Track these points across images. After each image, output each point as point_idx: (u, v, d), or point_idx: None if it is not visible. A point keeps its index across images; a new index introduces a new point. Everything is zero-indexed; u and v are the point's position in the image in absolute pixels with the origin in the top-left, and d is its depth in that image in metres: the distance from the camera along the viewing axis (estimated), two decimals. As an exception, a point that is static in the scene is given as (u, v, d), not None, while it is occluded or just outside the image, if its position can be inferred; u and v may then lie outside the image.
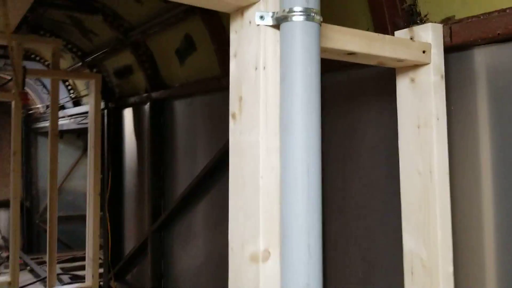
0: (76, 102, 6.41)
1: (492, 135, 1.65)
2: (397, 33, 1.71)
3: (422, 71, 1.64)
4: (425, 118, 1.62)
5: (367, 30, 2.04)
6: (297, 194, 1.13)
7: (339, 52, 1.41)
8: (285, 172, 1.15)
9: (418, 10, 1.82)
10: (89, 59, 4.98)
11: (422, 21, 1.82)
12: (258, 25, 1.19)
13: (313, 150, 1.14)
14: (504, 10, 1.53)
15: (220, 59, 3.11)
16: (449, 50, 1.68)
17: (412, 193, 1.66)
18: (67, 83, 6.33)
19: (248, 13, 1.22)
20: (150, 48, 3.97)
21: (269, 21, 1.18)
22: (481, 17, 1.59)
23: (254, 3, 1.20)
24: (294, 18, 1.14)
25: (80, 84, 6.12)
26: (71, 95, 6.33)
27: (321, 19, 1.18)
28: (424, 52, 1.59)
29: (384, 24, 1.89)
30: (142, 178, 4.50)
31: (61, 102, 6.34)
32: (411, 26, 1.72)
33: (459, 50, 1.69)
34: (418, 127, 1.64)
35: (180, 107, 3.86)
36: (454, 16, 1.70)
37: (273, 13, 1.18)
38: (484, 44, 1.62)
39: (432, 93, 1.61)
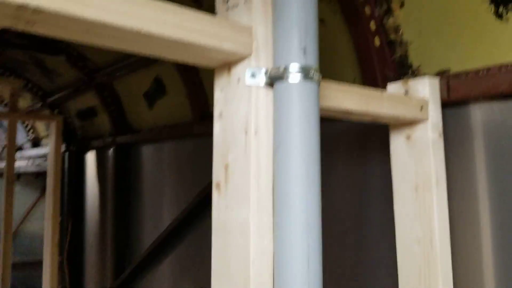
0: (35, 143, 6.08)
1: (492, 198, 1.52)
2: (390, 86, 1.58)
3: (418, 128, 1.50)
4: (423, 180, 1.48)
5: (354, 79, 1.92)
6: (296, 286, 0.95)
7: (335, 111, 1.26)
8: (280, 258, 0.97)
9: (409, 62, 1.70)
10: (50, 99, 4.72)
11: (414, 73, 1.70)
12: (248, 84, 1.03)
13: (313, 232, 0.97)
14: (506, 66, 1.42)
15: (193, 104, 2.94)
16: (446, 105, 1.56)
17: (410, 263, 1.49)
18: (25, 123, 6.02)
19: (237, 70, 1.06)
20: (117, 90, 3.77)
21: (261, 80, 1.02)
22: (481, 72, 1.48)
23: (244, 59, 1.04)
24: (291, 78, 0.99)
25: (39, 124, 5.82)
26: (29, 137, 6.00)
27: (320, 78, 1.03)
28: (421, 108, 1.47)
29: (373, 75, 1.76)
30: (105, 227, 4.21)
31: (19, 142, 6.01)
32: (405, 79, 1.60)
33: (457, 105, 1.58)
34: (416, 190, 1.49)
35: (147, 152, 3.64)
36: (449, 69, 1.59)
37: (266, 70, 1.03)
38: (484, 101, 1.51)
39: (431, 152, 1.48)
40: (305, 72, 0.99)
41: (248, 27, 1.03)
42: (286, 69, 0.99)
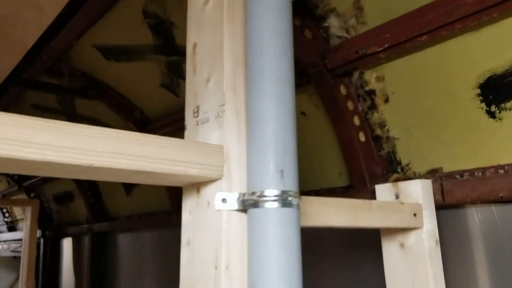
0: (12, 226, 5.83)
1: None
2: (379, 188, 1.46)
3: (413, 235, 1.37)
4: (421, 294, 1.33)
5: (340, 175, 1.81)
6: None
7: (319, 228, 1.13)
8: None
9: (398, 159, 1.60)
10: (26, 183, 4.55)
11: (404, 170, 1.59)
12: (218, 209, 0.90)
13: None
14: (502, 167, 1.32)
15: (171, 193, 2.79)
16: (440, 207, 1.44)
17: None
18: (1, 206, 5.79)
19: (206, 192, 0.93)
20: (94, 176, 3.62)
21: (233, 205, 0.89)
22: (476, 173, 1.37)
23: (214, 181, 0.91)
24: (267, 205, 0.86)
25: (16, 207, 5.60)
26: (5, 219, 5.76)
27: (300, 200, 0.90)
28: (415, 215, 1.34)
29: (360, 171, 1.65)
30: (80, 320, 3.93)
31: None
32: (394, 179, 1.49)
33: (452, 208, 1.46)
34: (414, 305, 1.34)
35: (124, 241, 3.44)
36: (441, 168, 1.48)
37: (239, 194, 0.90)
38: (482, 204, 1.39)
39: (428, 263, 1.34)
40: (283, 198, 0.86)
41: (218, 146, 0.91)
42: (261, 195, 0.86)
